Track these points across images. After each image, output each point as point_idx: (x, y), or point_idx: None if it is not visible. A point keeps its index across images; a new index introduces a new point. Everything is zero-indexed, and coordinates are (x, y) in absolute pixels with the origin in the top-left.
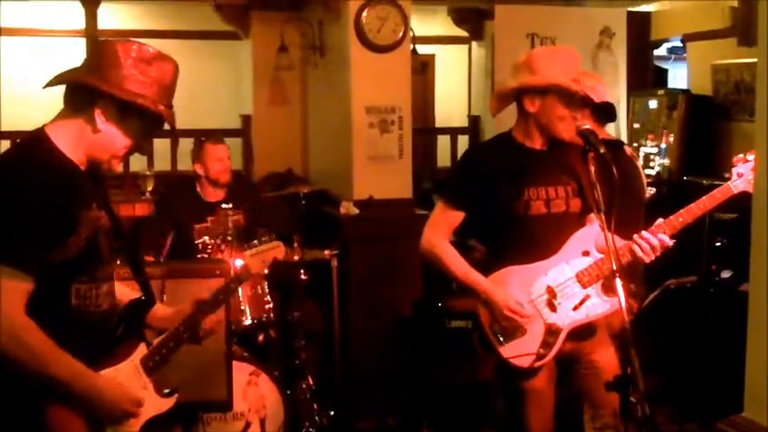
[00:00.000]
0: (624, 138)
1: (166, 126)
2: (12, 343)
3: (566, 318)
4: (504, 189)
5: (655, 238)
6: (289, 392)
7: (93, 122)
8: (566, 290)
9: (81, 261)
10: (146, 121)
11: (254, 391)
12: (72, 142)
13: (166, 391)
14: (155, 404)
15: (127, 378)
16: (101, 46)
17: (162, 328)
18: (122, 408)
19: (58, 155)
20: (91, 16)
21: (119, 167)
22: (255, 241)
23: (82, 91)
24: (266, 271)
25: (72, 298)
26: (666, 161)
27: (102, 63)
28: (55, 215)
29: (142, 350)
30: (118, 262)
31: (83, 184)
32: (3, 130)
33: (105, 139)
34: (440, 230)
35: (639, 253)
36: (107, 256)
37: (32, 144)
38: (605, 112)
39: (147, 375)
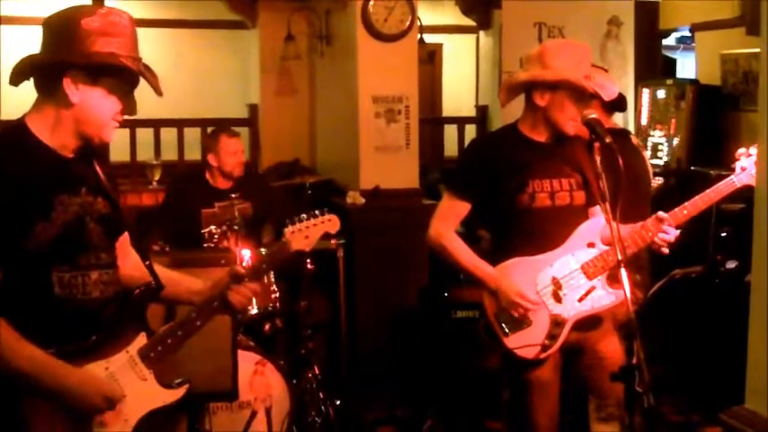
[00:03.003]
0: (631, 128)
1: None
2: None
3: (571, 309)
4: (509, 181)
5: (675, 230)
6: (295, 382)
7: (66, 97)
8: (571, 281)
9: (59, 248)
10: (118, 78)
11: (260, 381)
12: (50, 127)
13: (177, 381)
14: (158, 396)
15: (119, 370)
16: (47, 20)
17: (194, 302)
18: (91, 402)
19: (32, 142)
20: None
21: (110, 136)
22: (303, 215)
23: (45, 71)
24: (309, 248)
25: (55, 287)
26: (674, 151)
27: (54, 37)
28: (15, 201)
29: (141, 340)
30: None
31: (62, 170)
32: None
33: (84, 109)
34: (447, 221)
35: (658, 242)
36: (98, 243)
37: (6, 134)
38: (615, 103)
39: (148, 366)
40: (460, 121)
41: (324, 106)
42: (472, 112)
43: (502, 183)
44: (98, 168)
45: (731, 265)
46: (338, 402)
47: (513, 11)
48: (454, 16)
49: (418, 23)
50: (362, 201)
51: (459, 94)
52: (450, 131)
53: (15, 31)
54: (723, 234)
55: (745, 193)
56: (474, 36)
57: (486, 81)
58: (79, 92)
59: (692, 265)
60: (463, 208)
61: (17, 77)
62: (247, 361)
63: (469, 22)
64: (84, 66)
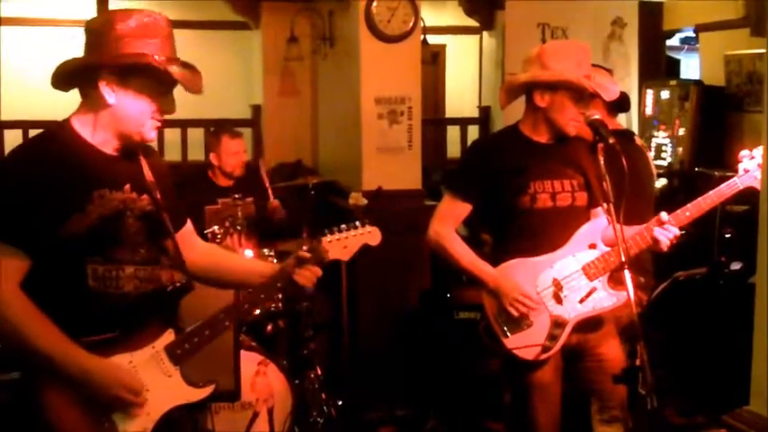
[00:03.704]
0: (635, 128)
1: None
2: None
3: (572, 310)
4: (510, 182)
5: (676, 229)
6: (297, 382)
7: (102, 98)
8: (572, 282)
9: (93, 240)
10: (152, 79)
11: (262, 381)
12: (91, 126)
13: (204, 381)
14: (183, 393)
15: (143, 364)
16: (87, 24)
17: (261, 285)
18: (112, 392)
19: (73, 139)
20: (102, 6)
21: (150, 134)
22: (343, 225)
23: (81, 73)
24: (347, 259)
25: (89, 279)
26: (678, 152)
27: (92, 40)
28: (53, 192)
29: (168, 337)
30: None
31: (103, 166)
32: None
33: (121, 110)
34: (446, 222)
35: (663, 241)
36: (136, 239)
37: (51, 130)
38: (619, 103)
39: (174, 363)
40: (463, 122)
41: (327, 107)
42: (475, 113)
43: (503, 184)
44: (145, 167)
45: (735, 266)
46: (340, 402)
47: (516, 12)
48: (457, 17)
49: (421, 24)
50: (365, 202)
51: (462, 95)
52: (453, 132)
53: (16, 31)
54: (727, 235)
55: (750, 195)
56: (477, 37)
57: (489, 82)
58: (114, 93)
59: (695, 266)
60: (463, 209)
61: (59, 82)
62: (250, 361)
63: (472, 22)
64: (115, 68)
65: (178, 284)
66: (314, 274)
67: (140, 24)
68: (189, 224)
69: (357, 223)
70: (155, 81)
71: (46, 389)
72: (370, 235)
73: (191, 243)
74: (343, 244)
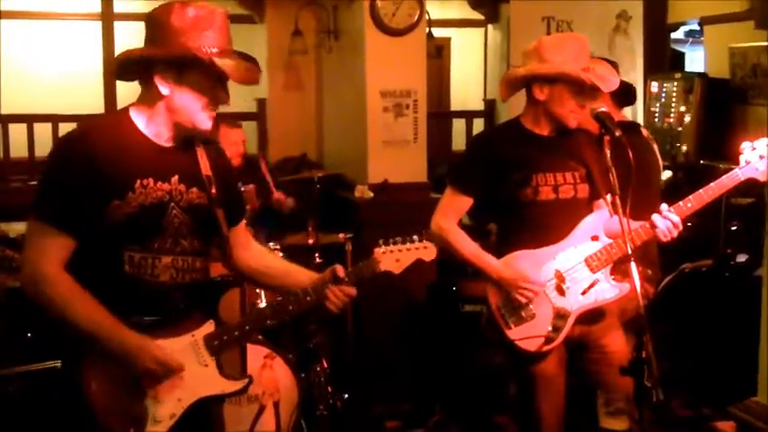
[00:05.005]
0: (640, 121)
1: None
2: (35, 293)
3: (574, 302)
4: (513, 175)
5: (676, 216)
6: (303, 375)
7: (158, 90)
8: (574, 274)
9: (132, 228)
10: (204, 72)
11: (268, 375)
12: (147, 116)
13: (240, 375)
14: (216, 384)
15: (181, 351)
16: (147, 16)
17: (294, 291)
18: (144, 364)
19: (127, 127)
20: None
21: (205, 124)
22: (398, 237)
23: (137, 66)
24: (398, 272)
25: (126, 265)
26: (683, 145)
27: (149, 32)
28: (97, 177)
29: (208, 327)
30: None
31: (151, 156)
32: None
33: (177, 102)
34: (449, 215)
35: (662, 228)
36: (179, 230)
37: (109, 117)
38: (625, 95)
39: (211, 354)
40: (468, 115)
41: (331, 101)
42: (480, 106)
43: (505, 177)
44: (203, 160)
45: (741, 258)
46: (346, 396)
47: (521, 5)
48: (462, 10)
49: (426, 18)
50: (371, 195)
51: (466, 89)
52: (459, 125)
53: (16, 25)
54: (733, 228)
55: (755, 188)
56: (482, 30)
57: (494, 75)
58: (169, 85)
59: (701, 259)
60: (465, 203)
61: (120, 73)
62: (256, 355)
63: (478, 16)
64: (169, 61)
65: (220, 279)
66: (347, 295)
67: (195, 17)
68: (243, 223)
69: (414, 237)
70: (207, 74)
71: (87, 372)
72: (426, 251)
73: (244, 241)
74: (395, 256)
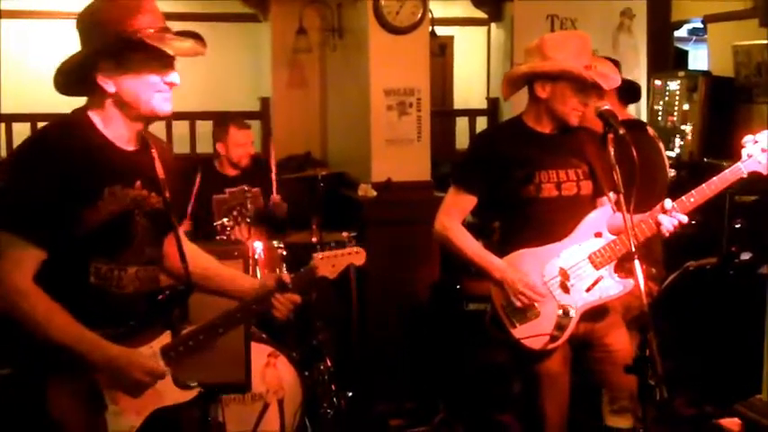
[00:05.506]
0: (644, 119)
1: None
2: (9, 307)
3: (579, 299)
4: (515, 173)
5: (684, 216)
6: (307, 374)
7: (104, 91)
8: (578, 271)
9: (100, 239)
10: (148, 54)
11: (272, 373)
12: (104, 118)
13: (193, 384)
14: (170, 394)
15: None
16: (76, 20)
17: (239, 298)
18: (134, 376)
19: (90, 132)
20: None
21: (164, 107)
22: (333, 243)
23: (79, 73)
24: (333, 276)
25: (91, 276)
26: (687, 143)
27: (82, 35)
28: (66, 186)
29: (165, 338)
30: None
31: (118, 161)
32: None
33: (126, 94)
34: (452, 214)
35: (668, 226)
36: (143, 238)
37: (68, 121)
38: (630, 93)
39: (167, 364)
40: (472, 114)
41: (335, 99)
42: (483, 105)
43: (508, 175)
44: (157, 162)
45: (745, 256)
46: (350, 394)
47: (524, 3)
48: (466, 9)
49: (430, 16)
50: (374, 193)
51: (470, 87)
52: (462, 124)
53: (16, 25)
54: (737, 225)
55: (759, 185)
56: (485, 28)
57: (498, 73)
58: (112, 80)
59: (705, 256)
60: (468, 202)
61: (61, 86)
62: (260, 353)
63: (481, 14)
64: (110, 54)
65: (178, 287)
66: (291, 302)
67: (122, 5)
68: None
69: (347, 243)
70: (152, 55)
71: (48, 380)
72: (357, 256)
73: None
74: (332, 262)
